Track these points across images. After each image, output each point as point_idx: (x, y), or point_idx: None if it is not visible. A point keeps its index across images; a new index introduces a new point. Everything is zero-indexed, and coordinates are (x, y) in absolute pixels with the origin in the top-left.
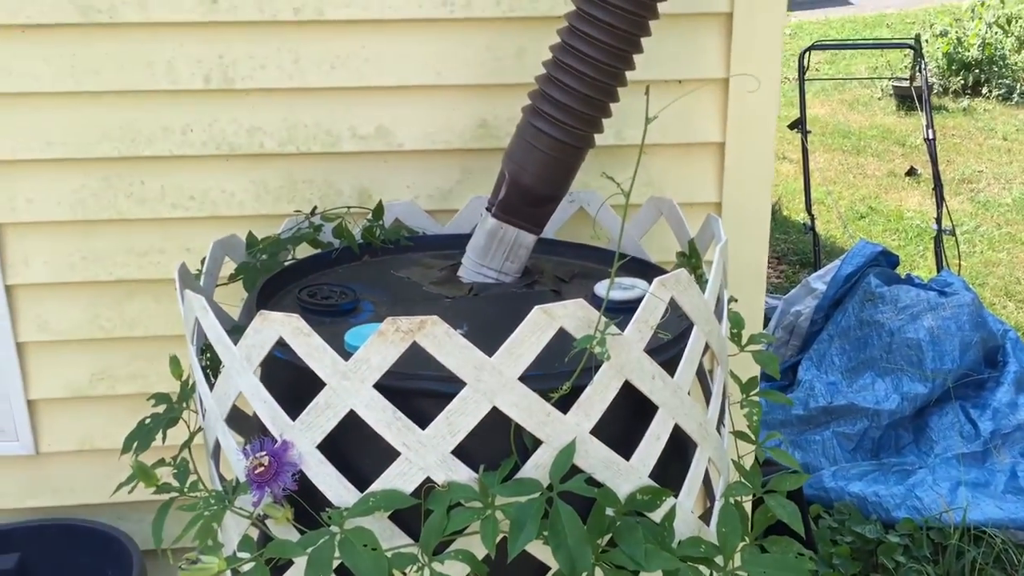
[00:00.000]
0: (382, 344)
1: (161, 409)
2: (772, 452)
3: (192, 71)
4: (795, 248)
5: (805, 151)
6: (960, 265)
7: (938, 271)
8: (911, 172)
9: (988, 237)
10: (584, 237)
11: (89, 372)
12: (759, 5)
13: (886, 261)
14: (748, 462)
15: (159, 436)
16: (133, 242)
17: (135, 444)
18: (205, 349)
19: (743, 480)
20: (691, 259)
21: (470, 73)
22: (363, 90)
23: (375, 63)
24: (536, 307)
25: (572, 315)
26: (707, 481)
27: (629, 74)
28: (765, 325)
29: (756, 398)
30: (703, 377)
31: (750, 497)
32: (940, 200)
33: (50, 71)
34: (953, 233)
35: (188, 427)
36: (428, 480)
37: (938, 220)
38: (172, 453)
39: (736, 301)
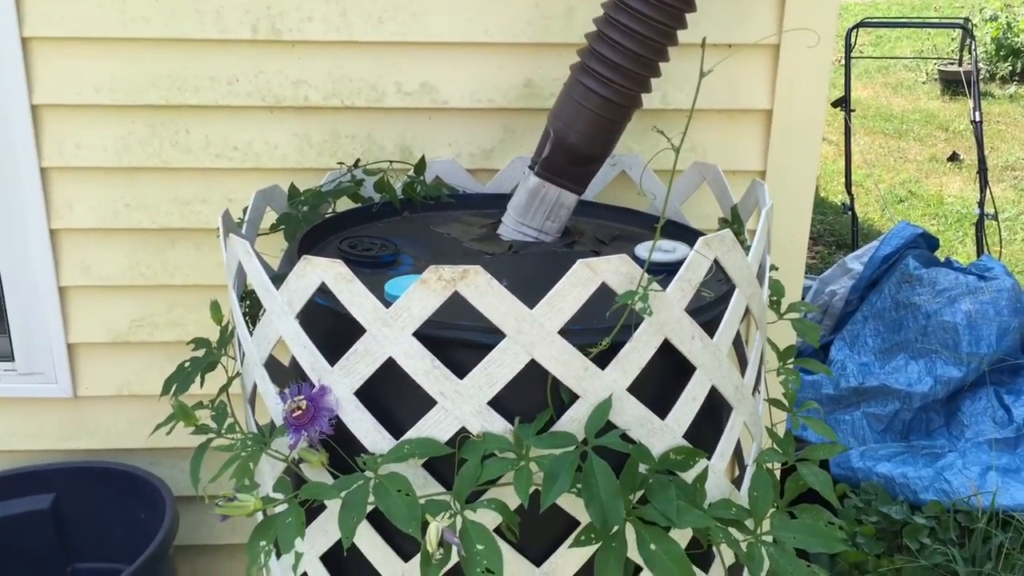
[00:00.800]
0: (424, 292)
1: (200, 353)
2: (807, 421)
3: (240, 20)
4: (831, 229)
5: (848, 129)
6: (1001, 251)
7: (978, 256)
8: (953, 157)
9: None
10: (625, 201)
11: (129, 318)
12: None
13: (926, 244)
14: (781, 431)
15: (197, 380)
16: (177, 191)
17: (174, 386)
18: (245, 296)
19: (775, 447)
20: (734, 225)
21: (518, 31)
22: (409, 45)
23: (422, 18)
24: (579, 261)
25: (615, 270)
26: (739, 448)
27: (679, 35)
28: None
29: (793, 366)
30: (739, 345)
31: (782, 465)
32: (984, 184)
33: (102, 16)
34: (996, 218)
35: (227, 372)
36: (463, 430)
37: (980, 204)
38: (210, 398)
39: (777, 270)
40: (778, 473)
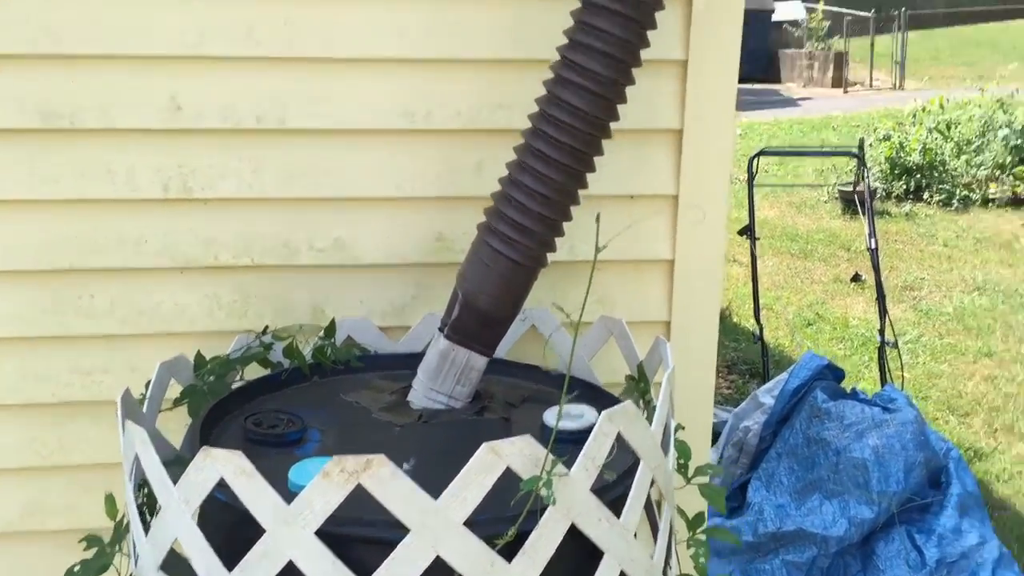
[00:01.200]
0: (326, 486)
1: (91, 553)
2: None
3: (151, 179)
4: (745, 357)
5: (754, 258)
6: (903, 377)
7: (882, 385)
8: (856, 278)
9: (930, 347)
10: (534, 354)
11: (21, 504)
12: (709, 125)
13: (832, 375)
14: None
15: None
16: (78, 360)
17: None
18: (143, 484)
19: None
20: (639, 383)
21: (429, 185)
22: (322, 201)
23: (335, 174)
24: (484, 445)
25: (519, 453)
26: None
27: (582, 190)
28: (715, 441)
29: (703, 536)
30: (650, 510)
31: None
32: (883, 313)
33: (9, 177)
34: (896, 346)
35: (118, 575)
36: None
37: (881, 332)
38: None
39: (683, 428)
40: None
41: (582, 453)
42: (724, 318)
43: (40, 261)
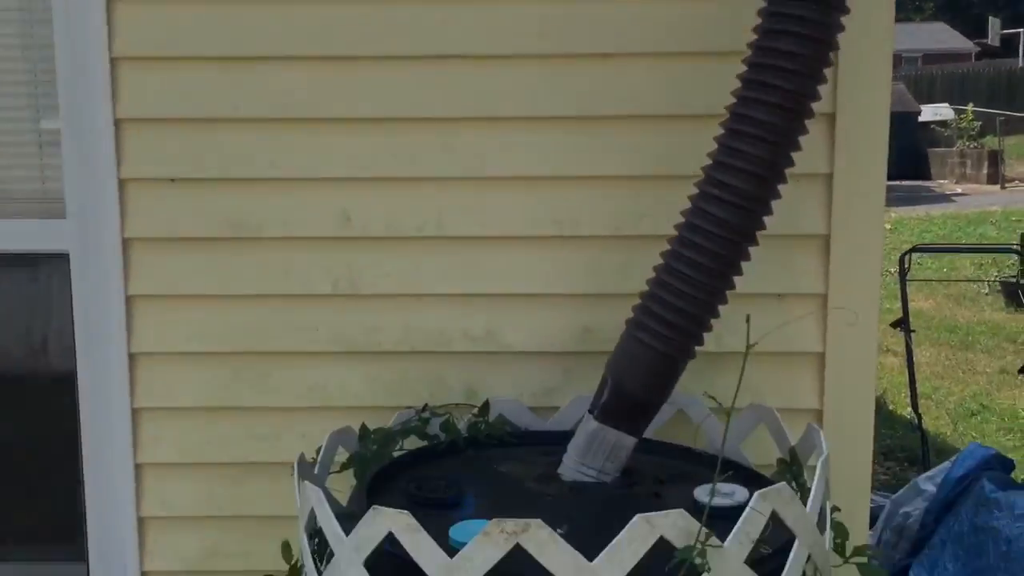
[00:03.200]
0: (487, 544)
1: None
2: None
3: (322, 278)
4: (902, 444)
5: (910, 351)
6: None
7: None
8: None
9: None
10: (683, 438)
11: (202, 547)
12: (855, 229)
13: (1000, 466)
14: None
15: None
16: (254, 428)
17: None
18: (314, 534)
19: None
20: (792, 467)
21: (576, 283)
22: (476, 297)
23: (488, 272)
24: (638, 516)
25: (673, 524)
26: None
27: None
28: (872, 525)
29: None
30: None
31: None
32: None
33: (203, 276)
34: None
35: None
36: None
37: None
38: None
39: (839, 511)
40: None
41: (736, 527)
42: (879, 407)
43: (224, 343)
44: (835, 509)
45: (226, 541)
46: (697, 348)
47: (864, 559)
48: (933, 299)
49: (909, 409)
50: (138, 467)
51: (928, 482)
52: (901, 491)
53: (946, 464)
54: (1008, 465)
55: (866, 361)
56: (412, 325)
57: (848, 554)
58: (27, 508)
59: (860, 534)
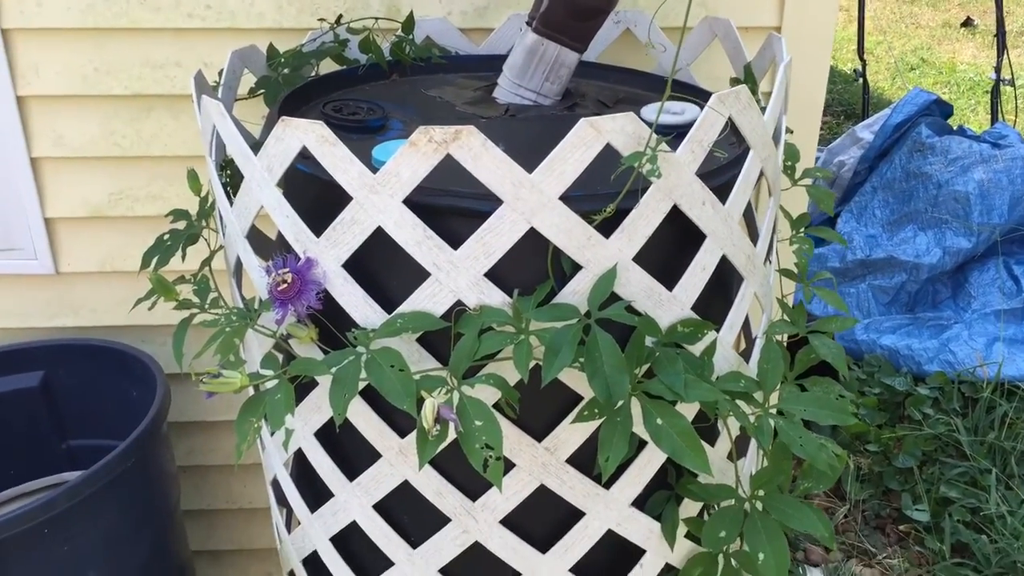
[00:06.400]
0: (413, 155)
1: (180, 225)
2: (819, 292)
3: None
4: (840, 99)
5: None
6: (1016, 119)
7: (992, 123)
8: (967, 23)
9: None
10: (631, 63)
11: (107, 191)
12: None
13: (939, 111)
14: (790, 303)
15: (179, 255)
16: (148, 54)
17: (154, 260)
18: (225, 165)
19: (786, 318)
20: (748, 83)
21: None
22: None
23: None
24: (582, 120)
25: (621, 130)
26: (747, 320)
27: None
28: None
29: (805, 234)
30: (750, 213)
31: (789, 337)
32: (1001, 48)
33: None
34: (1012, 84)
35: (209, 246)
36: (459, 303)
37: (997, 69)
38: (193, 273)
39: (792, 133)
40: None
41: (688, 135)
42: None
43: None
44: (788, 131)
45: (133, 184)
46: None
47: (811, 182)
48: None
49: (850, 63)
50: (20, 99)
51: (866, 130)
52: (837, 140)
53: (886, 112)
54: (948, 110)
55: None
56: None
57: (797, 176)
58: None
59: (809, 160)
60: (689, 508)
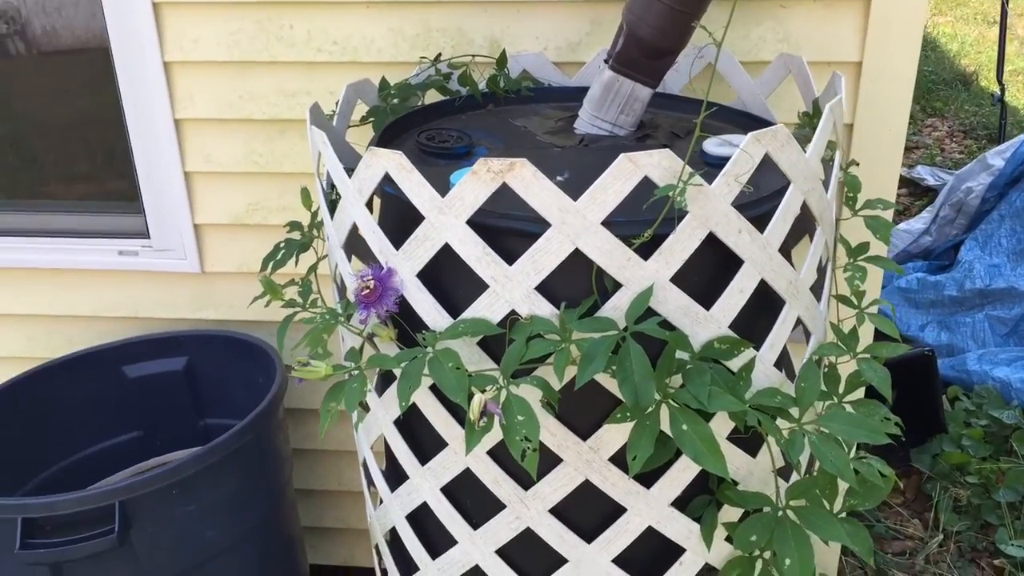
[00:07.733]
0: (475, 182)
1: (296, 235)
2: (872, 319)
3: None
4: (985, 122)
5: (1004, 14)
6: None
7: None
8: None
9: None
10: (712, 95)
11: (246, 202)
12: None
13: None
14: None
15: (293, 260)
16: (283, 83)
17: (270, 264)
18: (333, 186)
19: (838, 343)
20: (813, 119)
21: None
22: None
23: None
24: (622, 154)
25: (657, 164)
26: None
27: None
28: (930, 201)
29: (863, 264)
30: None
31: (845, 360)
32: None
33: None
34: None
35: (316, 254)
36: (513, 312)
37: None
38: (302, 276)
39: (857, 164)
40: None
41: (724, 169)
42: (970, 82)
43: None
44: (853, 163)
45: (267, 196)
46: None
47: (873, 212)
48: None
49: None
50: (177, 122)
51: (997, 156)
52: (967, 166)
53: (1019, 138)
54: None
55: (915, 5)
56: None
57: (858, 206)
58: (86, 168)
59: (886, 191)
60: (732, 514)
